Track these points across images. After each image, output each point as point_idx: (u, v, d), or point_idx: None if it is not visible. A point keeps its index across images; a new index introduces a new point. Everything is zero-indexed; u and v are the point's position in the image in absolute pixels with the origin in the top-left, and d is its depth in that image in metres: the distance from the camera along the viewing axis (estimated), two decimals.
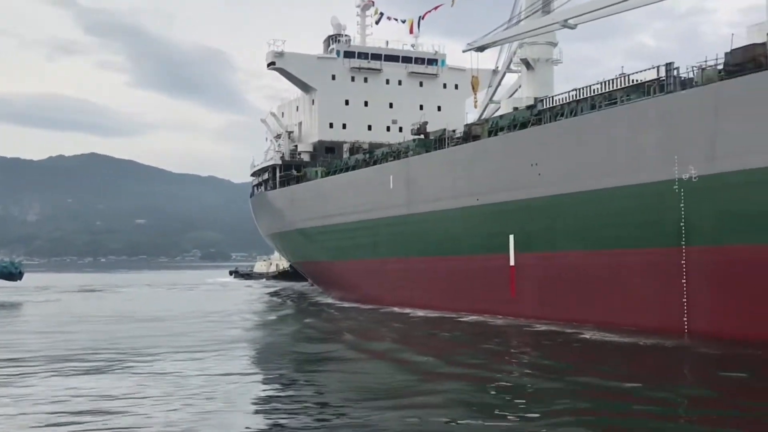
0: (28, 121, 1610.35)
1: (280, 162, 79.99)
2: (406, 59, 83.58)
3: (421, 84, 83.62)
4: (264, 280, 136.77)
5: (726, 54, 36.50)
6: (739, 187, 34.07)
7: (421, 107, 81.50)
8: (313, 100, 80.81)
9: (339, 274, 69.51)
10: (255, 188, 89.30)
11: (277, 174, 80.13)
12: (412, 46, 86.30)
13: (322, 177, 70.88)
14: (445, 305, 52.38)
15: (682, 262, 36.57)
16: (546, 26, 54.46)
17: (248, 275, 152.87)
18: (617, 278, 40.04)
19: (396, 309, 56.34)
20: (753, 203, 33.69)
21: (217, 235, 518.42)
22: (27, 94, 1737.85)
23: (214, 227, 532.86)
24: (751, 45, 35.04)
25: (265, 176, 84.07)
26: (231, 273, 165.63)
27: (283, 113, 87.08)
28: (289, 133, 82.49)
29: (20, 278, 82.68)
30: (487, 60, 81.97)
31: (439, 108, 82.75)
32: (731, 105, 34.69)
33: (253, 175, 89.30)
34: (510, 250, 47.43)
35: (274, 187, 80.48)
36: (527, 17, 59.52)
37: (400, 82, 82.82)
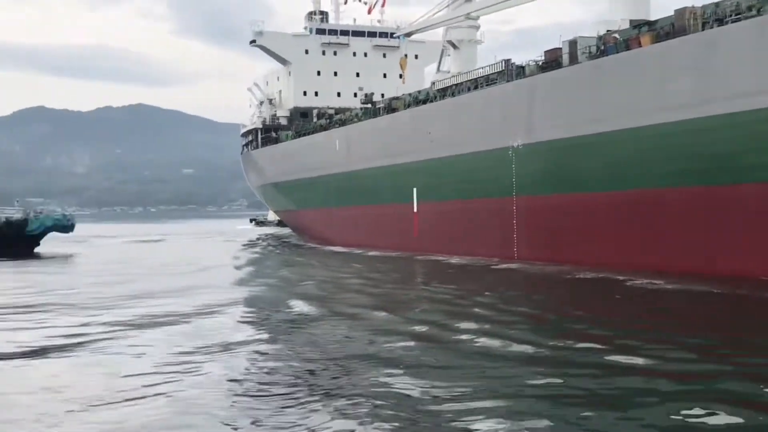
0: (74, 73, 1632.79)
1: (261, 126, 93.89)
2: (371, 34, 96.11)
3: (384, 55, 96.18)
4: (272, 226, 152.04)
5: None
6: (544, 153, 47.07)
7: (385, 75, 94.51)
8: (289, 72, 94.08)
9: (303, 221, 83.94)
10: (244, 147, 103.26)
11: (259, 136, 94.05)
12: (379, 21, 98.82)
13: (291, 139, 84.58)
14: (373, 243, 66.03)
15: (514, 207, 49.82)
16: (455, 18, 67.15)
17: (263, 222, 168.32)
18: (477, 220, 53.37)
19: (341, 249, 69.75)
20: (552, 165, 46.69)
21: None
22: (72, 46, 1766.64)
23: None
24: (553, 49, 47.75)
25: (250, 138, 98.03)
26: (251, 221, 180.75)
27: (267, 82, 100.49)
28: (270, 100, 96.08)
29: (72, 230, 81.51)
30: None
31: (400, 76, 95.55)
32: (540, 93, 47.55)
33: (242, 135, 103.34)
34: (414, 199, 60.89)
35: (257, 147, 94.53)
36: (451, 3, 72.09)
37: (365, 54, 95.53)
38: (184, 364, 20.06)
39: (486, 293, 34.04)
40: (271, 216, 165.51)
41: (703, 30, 36.92)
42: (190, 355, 21.37)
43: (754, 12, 35.19)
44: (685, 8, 38.47)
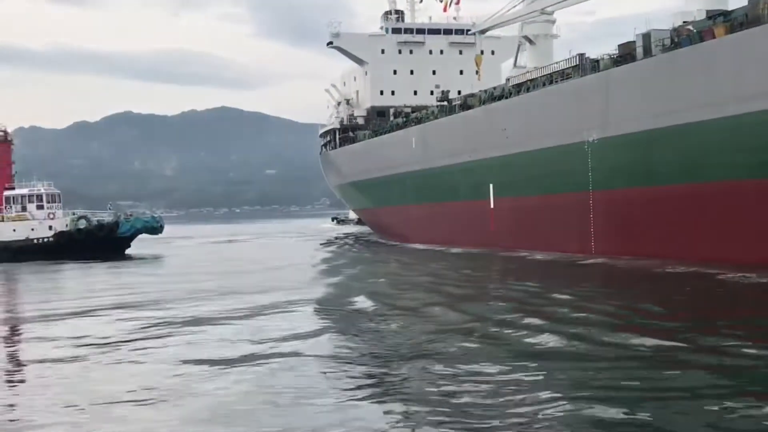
0: (159, 78, 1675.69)
1: (338, 126, 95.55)
2: (447, 31, 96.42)
3: (460, 52, 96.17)
4: (351, 224, 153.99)
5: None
6: (619, 147, 46.94)
7: (461, 72, 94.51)
8: (366, 72, 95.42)
9: (380, 219, 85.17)
10: (322, 147, 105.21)
11: (337, 136, 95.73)
12: (454, 18, 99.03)
13: (367, 139, 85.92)
14: (450, 240, 66.65)
15: (590, 202, 49.80)
16: (530, 13, 67.09)
17: (344, 221, 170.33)
18: (553, 215, 53.47)
19: (420, 246, 70.51)
20: (627, 159, 46.54)
21: None
22: (156, 51, 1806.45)
23: None
24: (627, 42, 47.53)
25: (328, 138, 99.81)
26: (332, 219, 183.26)
27: (344, 82, 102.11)
28: (347, 100, 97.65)
29: (161, 231, 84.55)
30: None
31: (476, 72, 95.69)
32: (614, 87, 47.44)
33: (320, 136, 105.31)
34: (490, 196, 61.30)
35: (335, 147, 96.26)
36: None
37: (441, 52, 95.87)
38: (259, 359, 21.09)
39: (565, 290, 33.52)
40: (352, 214, 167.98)
41: None
42: (267, 350, 22.35)
43: None
44: None
